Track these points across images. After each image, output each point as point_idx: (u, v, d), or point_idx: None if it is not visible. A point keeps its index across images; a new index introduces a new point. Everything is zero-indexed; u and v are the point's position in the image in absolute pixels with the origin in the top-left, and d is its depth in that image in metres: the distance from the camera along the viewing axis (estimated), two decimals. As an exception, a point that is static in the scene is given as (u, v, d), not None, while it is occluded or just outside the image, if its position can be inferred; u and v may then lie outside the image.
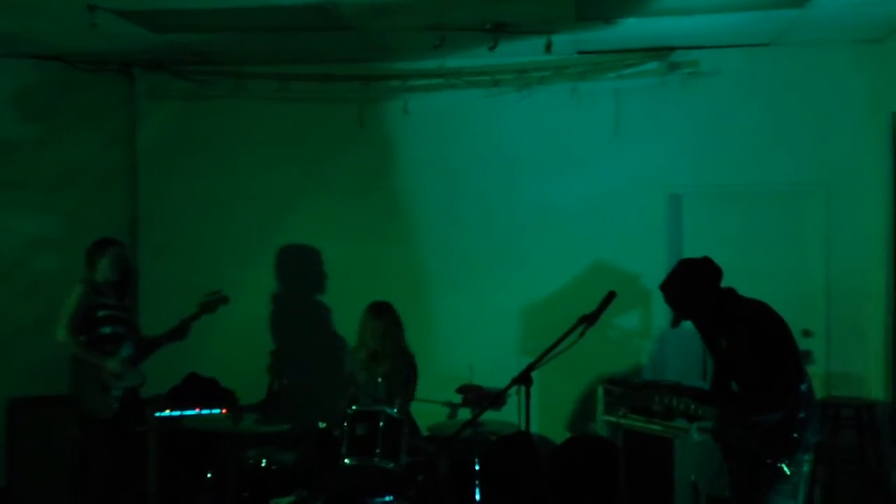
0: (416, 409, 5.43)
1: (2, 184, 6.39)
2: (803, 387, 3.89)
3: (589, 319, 3.85)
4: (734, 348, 3.98)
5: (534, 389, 3.87)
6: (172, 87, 6.73)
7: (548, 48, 5.66)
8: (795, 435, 3.82)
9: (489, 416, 4.94)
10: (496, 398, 4.29)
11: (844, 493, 5.75)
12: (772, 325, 3.93)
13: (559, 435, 6.18)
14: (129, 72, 6.75)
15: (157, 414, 5.28)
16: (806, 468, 3.92)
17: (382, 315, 5.31)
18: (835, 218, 6.06)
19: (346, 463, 4.59)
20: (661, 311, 6.13)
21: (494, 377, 5.02)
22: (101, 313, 5.06)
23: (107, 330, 5.06)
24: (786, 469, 3.83)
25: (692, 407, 4.03)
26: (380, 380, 5.21)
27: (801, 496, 3.91)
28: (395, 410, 4.73)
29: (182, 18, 5.40)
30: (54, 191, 6.53)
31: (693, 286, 4.00)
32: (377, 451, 4.57)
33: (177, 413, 5.30)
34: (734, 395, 4.07)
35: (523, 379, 3.82)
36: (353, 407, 4.81)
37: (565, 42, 5.87)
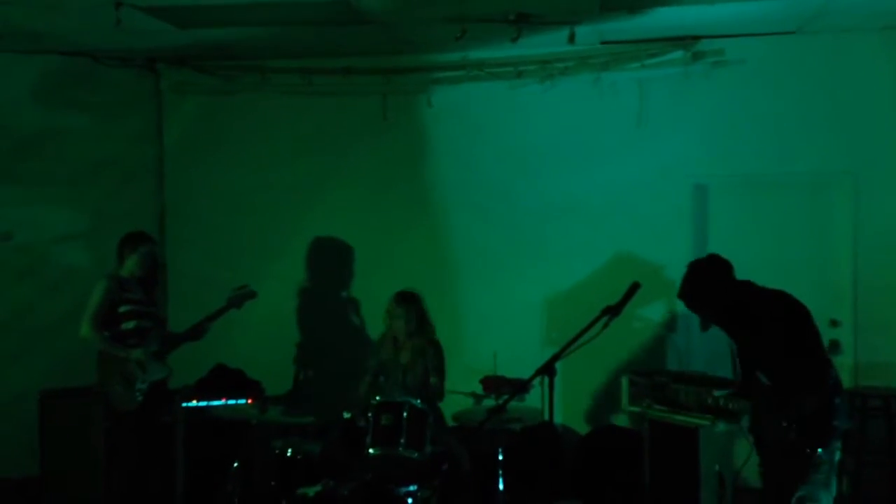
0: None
1: (29, 178, 6.48)
2: (831, 373, 3.88)
3: (613, 310, 3.85)
4: (760, 340, 3.96)
5: (558, 380, 3.88)
6: (197, 82, 6.79)
7: (571, 39, 5.65)
8: (835, 423, 3.81)
9: (513, 403, 4.95)
10: (520, 386, 4.30)
11: (873, 483, 5.70)
12: (795, 312, 3.92)
13: (583, 426, 6.18)
14: (154, 67, 6.82)
15: (185, 404, 5.34)
16: (838, 456, 3.91)
17: (405, 303, 5.33)
18: (862, 207, 5.99)
19: (370, 453, 4.62)
20: (686, 302, 6.12)
21: (519, 368, 5.02)
22: (123, 308, 5.10)
23: (130, 325, 5.10)
24: (822, 455, 3.81)
25: (721, 401, 4.03)
26: (404, 366, 5.25)
27: (834, 485, 3.89)
28: (418, 401, 4.75)
29: (206, 14, 5.43)
30: (81, 185, 6.62)
31: (705, 286, 3.98)
32: (401, 440, 4.60)
33: (204, 404, 5.36)
34: (768, 385, 4.05)
35: (547, 370, 3.82)
36: (378, 397, 4.83)
37: (588, 32, 5.85)
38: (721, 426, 5.09)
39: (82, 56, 6.49)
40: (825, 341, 4.12)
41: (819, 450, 3.81)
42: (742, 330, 4.04)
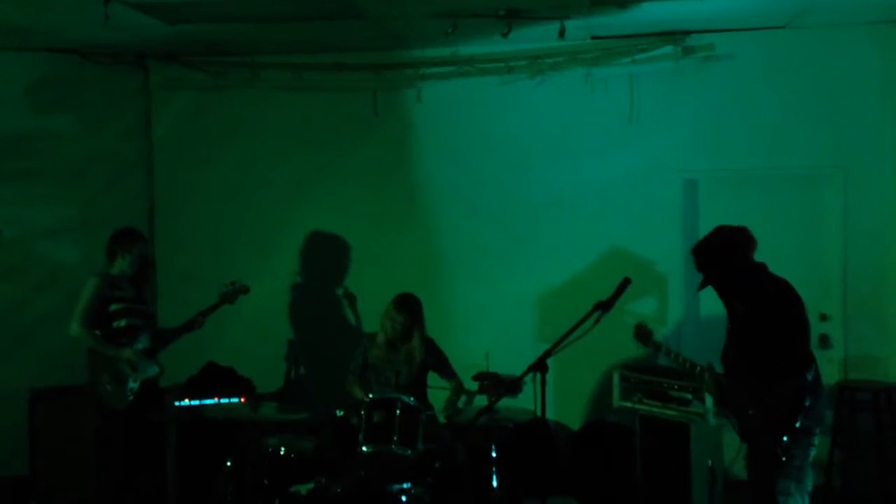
0: (432, 396, 5.45)
1: (18, 176, 6.45)
2: (809, 375, 3.86)
3: (604, 306, 3.85)
4: (751, 319, 3.98)
5: (550, 376, 3.87)
6: (187, 78, 6.76)
7: (561, 34, 5.63)
8: (798, 424, 3.82)
9: (505, 402, 4.96)
10: (512, 385, 4.30)
11: (862, 477, 5.74)
12: (791, 303, 3.93)
13: (575, 421, 6.20)
14: (144, 63, 6.78)
15: (176, 403, 5.32)
16: (813, 452, 3.92)
17: (403, 309, 5.31)
18: (852, 201, 6.02)
19: (363, 450, 4.62)
20: (677, 297, 6.14)
21: (511, 364, 5.03)
22: (114, 307, 5.08)
23: (121, 323, 5.09)
24: (791, 448, 3.84)
25: (697, 369, 4.11)
26: (396, 366, 5.25)
27: (808, 480, 3.90)
28: (411, 398, 4.75)
29: (195, 9, 5.41)
30: (71, 182, 6.58)
31: (722, 251, 3.99)
32: (394, 438, 4.60)
33: (195, 402, 5.35)
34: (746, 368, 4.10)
35: (539, 366, 3.82)
36: (370, 395, 4.83)
37: (579, 27, 5.84)
38: (712, 420, 5.12)
39: (71, 53, 6.45)
40: (815, 335, 4.14)
41: (784, 437, 3.82)
42: (739, 304, 4.04)
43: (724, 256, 4.01)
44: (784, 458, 3.84)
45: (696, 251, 4.11)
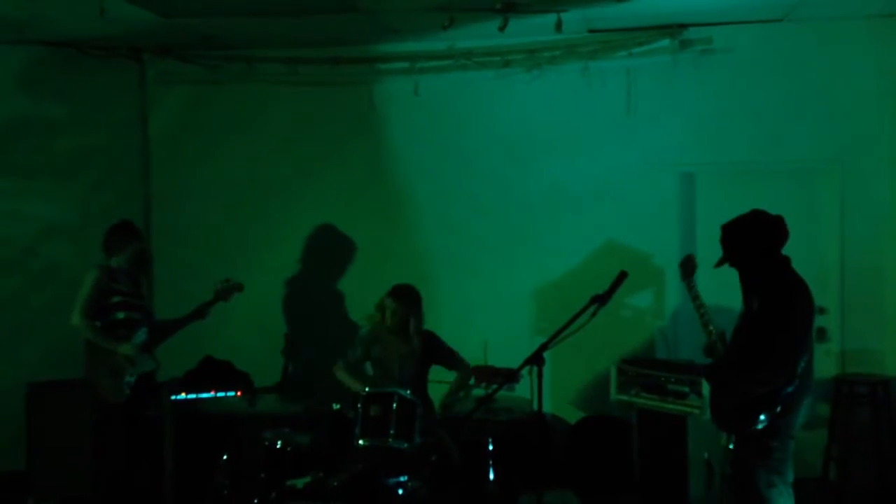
0: (435, 390, 5.44)
1: (14, 170, 6.44)
2: (790, 388, 3.82)
3: (601, 299, 3.84)
4: (750, 310, 3.96)
5: (547, 369, 3.87)
6: (183, 72, 6.74)
7: (558, 27, 5.62)
8: (760, 426, 3.78)
9: (502, 396, 4.96)
10: (510, 377, 4.30)
11: (859, 470, 5.74)
12: (794, 310, 3.87)
13: (572, 415, 6.20)
14: (139, 57, 6.76)
15: (173, 397, 5.31)
16: (792, 446, 3.91)
17: (400, 298, 5.30)
18: (849, 195, 6.02)
19: (360, 444, 4.62)
20: (674, 290, 6.13)
21: (508, 357, 5.03)
22: (114, 299, 5.10)
23: (120, 315, 5.10)
24: (724, 442, 3.83)
25: (710, 328, 4.11)
26: (399, 360, 5.25)
27: (790, 472, 3.89)
28: (408, 392, 4.75)
29: (190, 2, 5.39)
30: (67, 177, 6.57)
31: (748, 234, 3.96)
32: (391, 431, 4.59)
33: (192, 396, 5.34)
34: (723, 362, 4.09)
35: (536, 359, 3.82)
36: (367, 389, 4.83)
37: (576, 20, 5.83)
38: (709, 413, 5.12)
39: (66, 46, 6.43)
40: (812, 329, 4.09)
41: (761, 417, 3.81)
42: (755, 300, 4.00)
43: (752, 240, 3.96)
44: (770, 450, 3.84)
45: (725, 227, 4.05)
